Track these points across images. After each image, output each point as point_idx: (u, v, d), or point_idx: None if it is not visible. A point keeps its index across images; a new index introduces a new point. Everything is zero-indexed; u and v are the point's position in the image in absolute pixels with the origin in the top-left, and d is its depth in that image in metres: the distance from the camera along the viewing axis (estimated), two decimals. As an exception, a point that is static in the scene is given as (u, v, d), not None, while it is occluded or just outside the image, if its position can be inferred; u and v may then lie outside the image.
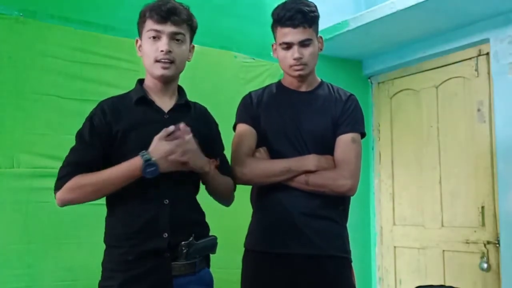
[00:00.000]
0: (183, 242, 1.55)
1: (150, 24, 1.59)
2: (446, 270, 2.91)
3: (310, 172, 1.78)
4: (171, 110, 1.65)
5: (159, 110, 1.63)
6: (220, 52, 2.90)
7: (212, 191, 1.75)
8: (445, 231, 2.93)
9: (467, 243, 2.79)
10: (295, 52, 1.81)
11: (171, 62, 1.59)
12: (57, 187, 1.53)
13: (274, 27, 1.88)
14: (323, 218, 1.82)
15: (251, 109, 1.91)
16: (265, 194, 1.86)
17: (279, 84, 1.97)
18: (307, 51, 1.83)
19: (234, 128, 1.94)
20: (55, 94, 2.34)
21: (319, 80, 1.97)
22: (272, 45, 1.92)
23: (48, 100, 2.32)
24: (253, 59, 3.00)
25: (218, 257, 2.67)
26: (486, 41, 2.72)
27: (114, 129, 1.57)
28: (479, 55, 2.81)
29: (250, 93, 1.97)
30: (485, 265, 2.67)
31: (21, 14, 2.30)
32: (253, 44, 2.97)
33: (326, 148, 1.84)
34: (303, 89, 1.92)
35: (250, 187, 1.94)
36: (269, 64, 2.98)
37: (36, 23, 2.33)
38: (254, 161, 1.82)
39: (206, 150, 1.67)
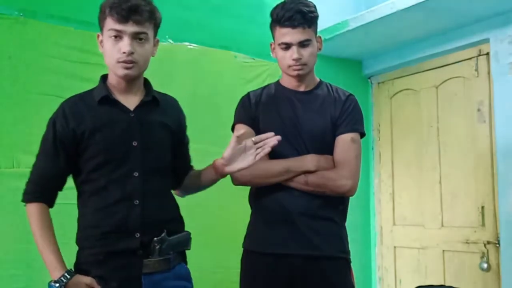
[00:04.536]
0: (155, 239, 1.54)
1: (110, 23, 1.52)
2: (446, 270, 2.91)
3: (310, 172, 1.78)
4: (137, 108, 1.60)
5: (124, 109, 1.58)
6: (220, 52, 2.90)
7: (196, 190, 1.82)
8: (445, 231, 2.93)
9: (467, 243, 2.79)
10: (294, 52, 1.81)
11: (134, 62, 1.53)
12: (24, 199, 1.57)
13: (272, 26, 1.87)
14: (322, 218, 1.82)
15: (250, 109, 1.91)
16: (264, 194, 1.85)
17: (277, 84, 1.97)
18: (306, 52, 1.82)
19: (233, 128, 1.93)
20: (55, 94, 2.33)
21: (318, 80, 1.96)
22: (271, 44, 1.92)
23: (48, 100, 2.31)
24: (253, 59, 3.00)
25: (218, 257, 2.69)
26: (486, 41, 2.72)
27: (78, 132, 1.53)
28: (479, 55, 2.81)
29: (248, 94, 1.97)
30: (485, 265, 2.67)
31: (21, 14, 2.30)
32: (253, 44, 2.97)
33: (325, 148, 1.83)
34: (302, 89, 1.91)
35: (248, 187, 1.94)
36: (269, 64, 2.98)
37: (36, 23, 2.33)
38: None
39: (174, 144, 1.68)
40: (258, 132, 1.87)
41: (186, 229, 2.00)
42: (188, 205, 2.61)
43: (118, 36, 1.52)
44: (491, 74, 2.70)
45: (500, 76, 2.63)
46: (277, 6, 1.85)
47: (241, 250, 1.91)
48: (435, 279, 2.92)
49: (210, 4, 2.88)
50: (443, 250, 2.93)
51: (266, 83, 2.08)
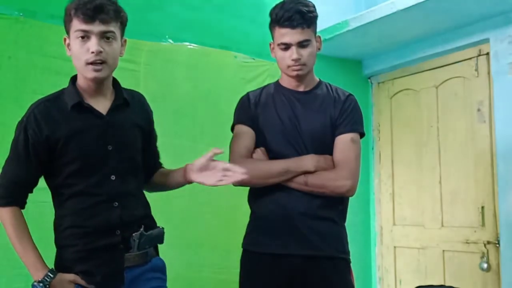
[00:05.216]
0: (134, 234, 1.58)
1: (77, 24, 1.51)
2: (446, 270, 2.91)
3: (309, 173, 1.78)
4: (109, 112, 1.61)
5: (97, 114, 1.59)
6: (220, 52, 2.90)
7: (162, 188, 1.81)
8: (445, 231, 2.93)
9: (467, 243, 2.79)
10: (293, 53, 1.81)
11: (103, 62, 1.53)
12: None
13: (272, 26, 1.87)
14: (322, 218, 1.82)
15: (249, 109, 1.91)
16: (264, 195, 1.85)
17: (277, 84, 1.97)
18: (305, 52, 1.82)
19: (232, 129, 1.93)
20: (55, 94, 2.34)
21: (317, 79, 1.96)
22: (270, 44, 1.92)
23: (48, 100, 2.32)
24: (253, 59, 3.00)
25: (218, 257, 2.69)
26: (486, 41, 2.72)
27: (52, 139, 1.54)
28: (479, 55, 2.81)
29: (248, 94, 1.97)
30: (485, 265, 2.67)
31: (21, 14, 2.30)
32: (253, 44, 2.97)
33: (325, 148, 1.83)
34: (301, 89, 1.91)
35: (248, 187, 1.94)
36: (269, 64, 2.98)
37: (36, 23, 2.33)
38: (252, 162, 1.82)
39: (144, 142, 1.69)
40: (257, 132, 1.87)
41: (186, 229, 2.01)
42: (188, 205, 2.63)
43: (85, 36, 1.52)
44: (491, 74, 2.70)
45: (500, 76, 2.63)
46: (276, 6, 1.84)
47: (241, 250, 1.91)
48: (435, 279, 2.92)
49: (210, 4, 2.88)
50: (443, 250, 2.93)
51: (266, 83, 2.08)
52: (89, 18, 1.50)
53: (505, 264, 2.56)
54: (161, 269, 1.71)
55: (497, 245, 2.63)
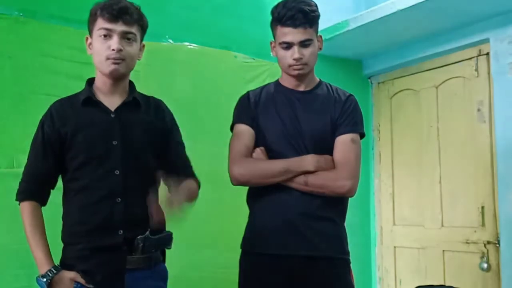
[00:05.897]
0: (139, 237, 1.59)
1: (101, 23, 1.60)
2: (446, 270, 2.90)
3: (309, 173, 1.77)
4: (118, 109, 1.66)
5: (105, 109, 1.65)
6: (220, 52, 2.90)
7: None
8: (445, 231, 2.93)
9: (467, 243, 2.79)
10: (295, 52, 1.81)
11: (122, 60, 1.61)
12: (17, 198, 1.65)
13: (273, 25, 1.87)
14: (322, 218, 1.81)
15: (249, 109, 1.90)
16: (263, 195, 1.84)
17: (277, 83, 1.97)
18: (307, 51, 1.82)
19: (232, 128, 1.93)
20: (55, 94, 2.30)
21: (318, 79, 1.96)
22: (271, 43, 1.92)
23: (48, 100, 2.27)
24: (253, 59, 3.00)
25: (218, 257, 2.69)
26: (486, 41, 2.72)
27: (62, 132, 1.62)
28: (479, 55, 2.81)
29: (247, 93, 1.96)
30: (485, 265, 2.67)
31: (21, 14, 2.30)
32: (253, 44, 2.97)
33: (325, 148, 1.83)
34: (302, 88, 1.91)
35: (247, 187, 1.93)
36: (269, 64, 2.97)
37: (36, 23, 2.33)
38: (252, 161, 1.82)
39: (161, 143, 1.70)
40: (257, 131, 1.87)
41: (186, 230, 1.97)
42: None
43: (107, 35, 1.60)
44: (491, 74, 2.70)
45: (500, 76, 2.63)
46: (278, 4, 1.84)
47: (241, 250, 1.90)
48: (435, 279, 2.91)
49: (210, 4, 2.88)
50: (443, 250, 2.92)
51: (266, 83, 2.07)
52: (113, 17, 1.59)
53: (505, 264, 2.56)
54: (163, 278, 1.70)
55: (497, 245, 2.63)
